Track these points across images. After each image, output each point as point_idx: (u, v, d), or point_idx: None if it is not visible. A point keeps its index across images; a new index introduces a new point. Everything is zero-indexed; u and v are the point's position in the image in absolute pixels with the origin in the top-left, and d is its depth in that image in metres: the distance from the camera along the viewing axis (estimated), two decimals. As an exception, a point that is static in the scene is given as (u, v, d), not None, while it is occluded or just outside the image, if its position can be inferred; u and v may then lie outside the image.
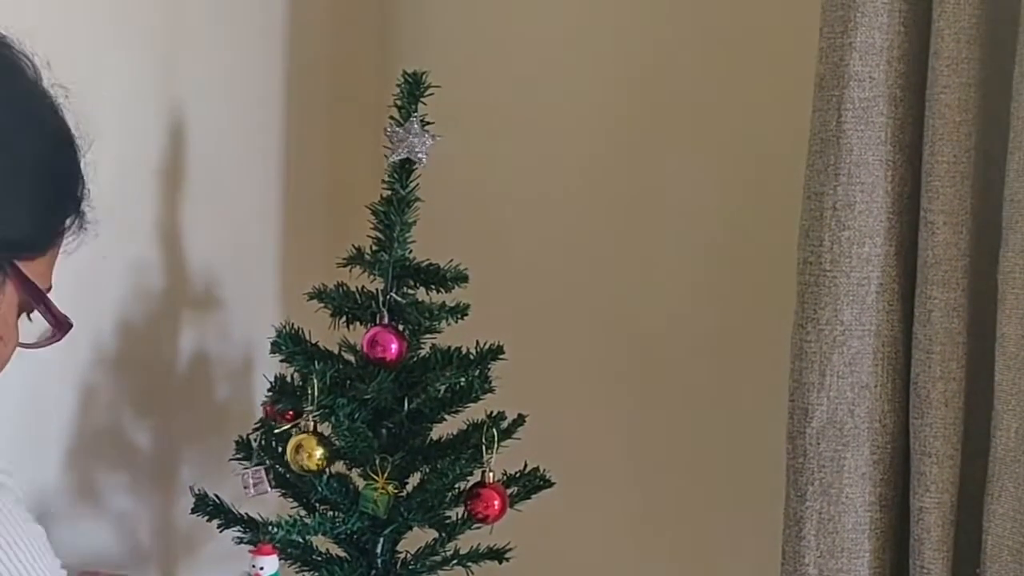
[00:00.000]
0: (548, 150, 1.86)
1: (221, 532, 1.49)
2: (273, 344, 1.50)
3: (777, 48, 1.66)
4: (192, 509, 1.52)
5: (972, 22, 1.39)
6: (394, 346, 1.45)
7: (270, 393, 1.51)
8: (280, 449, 1.47)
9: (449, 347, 1.50)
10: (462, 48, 1.91)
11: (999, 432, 1.39)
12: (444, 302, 1.50)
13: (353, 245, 1.52)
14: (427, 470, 1.50)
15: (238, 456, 1.53)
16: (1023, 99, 1.36)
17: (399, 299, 1.48)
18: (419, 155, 1.45)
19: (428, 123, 1.46)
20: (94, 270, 1.57)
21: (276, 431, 1.47)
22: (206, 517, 1.52)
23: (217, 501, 1.52)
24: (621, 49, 1.80)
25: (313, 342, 1.51)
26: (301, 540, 1.48)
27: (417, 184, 1.48)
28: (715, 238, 1.75)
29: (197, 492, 1.52)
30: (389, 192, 1.48)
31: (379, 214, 1.48)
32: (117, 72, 1.61)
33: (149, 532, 1.71)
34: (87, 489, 1.64)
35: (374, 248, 1.49)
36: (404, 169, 1.47)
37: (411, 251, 1.49)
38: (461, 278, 1.51)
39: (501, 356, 1.52)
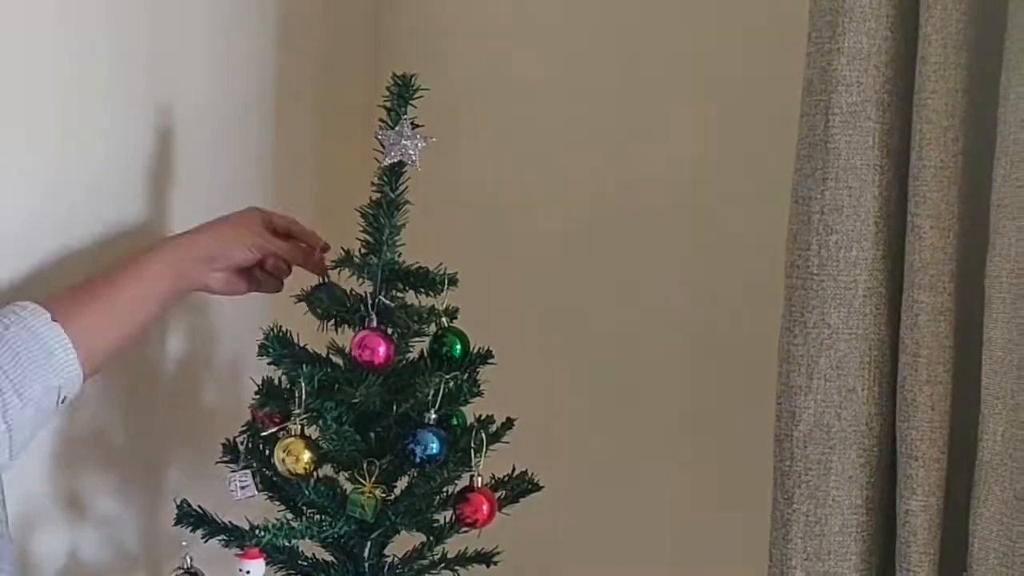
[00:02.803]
0: (539, 152, 1.87)
1: (206, 542, 1.49)
2: (261, 346, 1.49)
3: (764, 52, 1.66)
4: (175, 521, 1.51)
5: (959, 27, 1.40)
6: (382, 349, 1.45)
7: (258, 396, 1.51)
8: (267, 452, 1.47)
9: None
10: (454, 50, 1.91)
11: (985, 436, 1.40)
12: (433, 305, 1.50)
13: (342, 247, 1.52)
14: (415, 474, 1.50)
15: (225, 459, 1.52)
16: (1010, 104, 1.37)
17: (388, 302, 1.48)
18: (412, 158, 1.45)
19: (417, 125, 1.46)
20: (82, 272, 1.57)
21: (263, 434, 1.47)
22: (190, 528, 1.51)
23: (200, 511, 1.52)
24: (613, 53, 1.81)
25: (301, 345, 1.51)
26: (287, 544, 1.47)
27: (407, 187, 1.48)
28: (703, 242, 1.75)
29: (179, 503, 1.51)
30: (379, 195, 1.47)
31: (368, 217, 1.48)
32: (107, 75, 1.61)
33: (136, 535, 1.71)
34: (73, 493, 1.63)
35: (363, 251, 1.49)
36: (394, 172, 1.47)
37: (400, 254, 1.49)
38: (450, 281, 1.51)
39: (490, 360, 1.52)
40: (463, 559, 1.55)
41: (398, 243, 1.48)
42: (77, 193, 1.59)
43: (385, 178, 1.47)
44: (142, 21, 1.65)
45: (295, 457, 1.43)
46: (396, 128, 1.45)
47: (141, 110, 1.66)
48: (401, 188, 1.47)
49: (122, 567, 1.69)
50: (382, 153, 1.46)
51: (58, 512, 1.62)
